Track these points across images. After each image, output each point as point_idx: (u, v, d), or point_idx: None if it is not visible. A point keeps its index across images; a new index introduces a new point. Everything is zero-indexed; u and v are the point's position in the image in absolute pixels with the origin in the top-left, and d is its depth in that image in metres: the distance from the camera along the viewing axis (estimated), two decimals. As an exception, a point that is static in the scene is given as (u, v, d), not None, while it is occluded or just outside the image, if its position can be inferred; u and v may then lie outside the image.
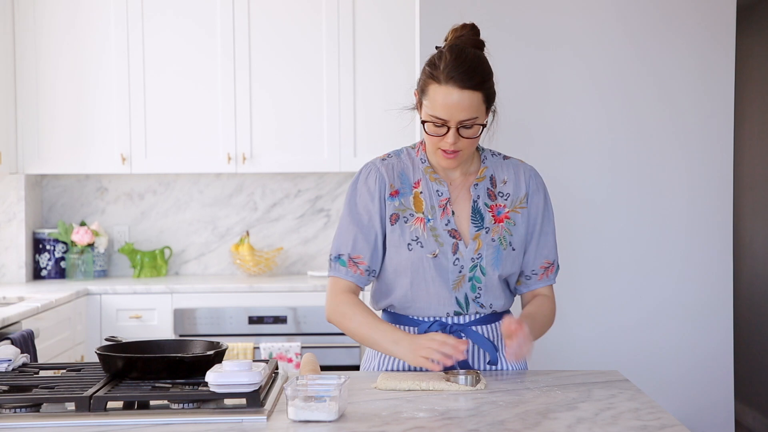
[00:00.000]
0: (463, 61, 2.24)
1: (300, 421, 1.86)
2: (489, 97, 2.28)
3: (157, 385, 2.03)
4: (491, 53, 2.36)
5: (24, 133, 4.83)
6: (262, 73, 4.87)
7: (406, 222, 2.34)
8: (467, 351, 2.35)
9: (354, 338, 2.37)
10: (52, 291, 4.44)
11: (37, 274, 5.04)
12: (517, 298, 2.52)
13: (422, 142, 2.43)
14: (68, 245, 5.00)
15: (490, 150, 2.46)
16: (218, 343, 2.22)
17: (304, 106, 4.89)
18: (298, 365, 4.41)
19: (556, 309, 2.50)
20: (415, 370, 2.37)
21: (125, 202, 5.19)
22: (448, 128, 2.25)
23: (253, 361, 2.10)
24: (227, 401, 1.96)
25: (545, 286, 2.46)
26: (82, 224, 5.05)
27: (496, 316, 2.40)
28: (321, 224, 5.22)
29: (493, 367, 2.38)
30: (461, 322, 2.36)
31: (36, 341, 3.81)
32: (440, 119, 2.25)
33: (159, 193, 5.20)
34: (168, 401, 1.94)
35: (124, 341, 2.25)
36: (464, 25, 2.35)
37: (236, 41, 4.85)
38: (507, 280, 2.40)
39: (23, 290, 4.53)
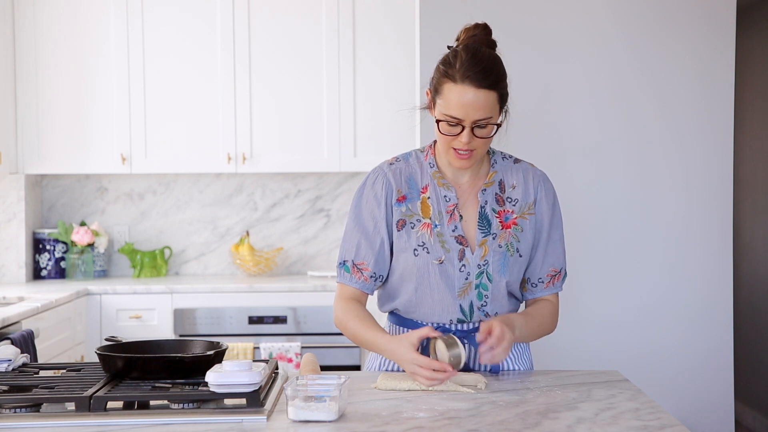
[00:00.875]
0: (479, 60, 2.22)
1: (300, 421, 1.86)
2: (503, 97, 2.26)
3: (157, 385, 2.03)
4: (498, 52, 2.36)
5: (24, 133, 4.83)
6: (263, 74, 4.87)
7: (413, 227, 2.32)
8: (469, 356, 2.34)
9: (354, 342, 2.37)
10: (52, 291, 4.45)
11: (37, 274, 5.04)
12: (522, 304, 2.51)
13: (431, 146, 2.41)
14: (68, 245, 5.00)
15: (501, 153, 2.43)
16: (218, 343, 2.22)
17: (304, 107, 4.89)
18: (298, 365, 4.41)
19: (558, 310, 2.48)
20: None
21: (125, 202, 5.19)
22: (463, 127, 2.23)
23: (253, 361, 2.10)
24: (227, 401, 1.96)
25: (551, 294, 2.43)
26: (82, 224, 5.05)
27: None
28: (321, 224, 5.22)
29: (495, 374, 2.37)
30: (464, 329, 2.34)
31: (36, 341, 3.81)
32: (455, 118, 2.22)
33: (159, 193, 5.20)
34: (168, 401, 1.94)
35: (124, 341, 2.25)
36: (476, 25, 2.32)
37: (236, 42, 4.85)
38: (513, 289, 2.37)
39: (23, 290, 4.53)
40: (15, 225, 4.92)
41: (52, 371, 2.26)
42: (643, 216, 3.64)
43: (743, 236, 5.81)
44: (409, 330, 2.37)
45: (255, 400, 1.92)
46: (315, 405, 1.86)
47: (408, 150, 2.47)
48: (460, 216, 2.33)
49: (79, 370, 2.24)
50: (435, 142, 2.39)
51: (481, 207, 2.34)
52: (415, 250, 2.31)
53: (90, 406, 1.91)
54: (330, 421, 1.86)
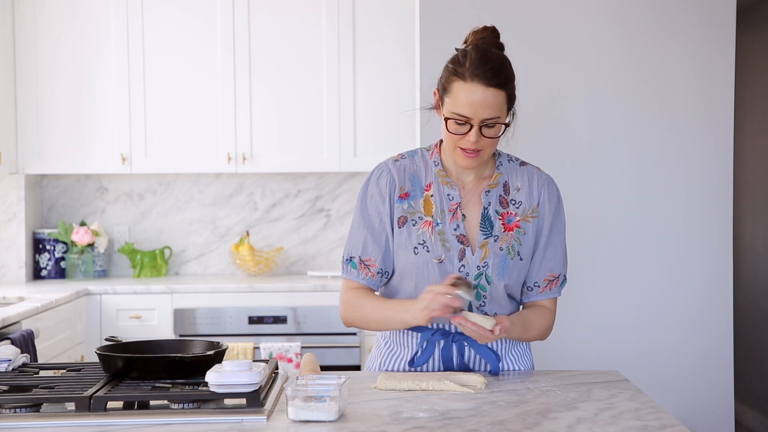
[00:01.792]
0: (489, 59, 2.23)
1: (300, 421, 1.86)
2: (511, 98, 2.27)
3: (157, 385, 2.03)
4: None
5: (24, 133, 4.83)
6: (263, 74, 4.87)
7: (414, 225, 2.32)
8: (469, 359, 2.34)
9: (372, 327, 2.36)
10: (52, 291, 4.44)
11: (37, 274, 5.04)
12: None
13: (437, 144, 2.41)
14: (68, 245, 5.00)
15: (507, 155, 2.43)
16: (218, 343, 2.22)
17: (304, 107, 4.89)
18: (298, 365, 4.41)
19: (557, 311, 2.48)
20: (414, 370, 2.37)
21: (125, 202, 5.19)
22: (471, 126, 2.23)
23: (253, 361, 2.10)
24: (227, 401, 1.96)
25: (548, 299, 2.41)
26: (82, 224, 5.05)
27: None
28: (321, 224, 5.22)
29: (495, 374, 2.37)
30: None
31: (36, 341, 3.81)
32: (463, 117, 2.22)
33: (159, 193, 5.20)
34: (168, 401, 1.94)
35: (124, 341, 2.25)
36: (485, 28, 2.33)
37: (236, 42, 4.85)
38: (512, 291, 2.36)
39: (23, 290, 4.53)
40: (15, 225, 4.92)
41: (52, 371, 2.26)
42: (643, 216, 3.64)
43: (743, 236, 5.81)
44: (410, 333, 2.37)
45: (255, 400, 1.92)
46: (315, 405, 1.86)
47: (409, 149, 2.46)
48: (463, 215, 2.32)
49: (79, 370, 2.24)
50: (441, 141, 2.39)
51: (484, 208, 2.33)
52: (415, 248, 2.31)
53: (90, 406, 1.91)
54: (330, 421, 1.86)
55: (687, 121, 3.63)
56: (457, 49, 2.32)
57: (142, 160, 4.87)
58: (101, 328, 4.61)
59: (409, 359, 2.37)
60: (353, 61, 4.85)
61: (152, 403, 1.97)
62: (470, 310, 2.30)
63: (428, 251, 2.30)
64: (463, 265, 2.29)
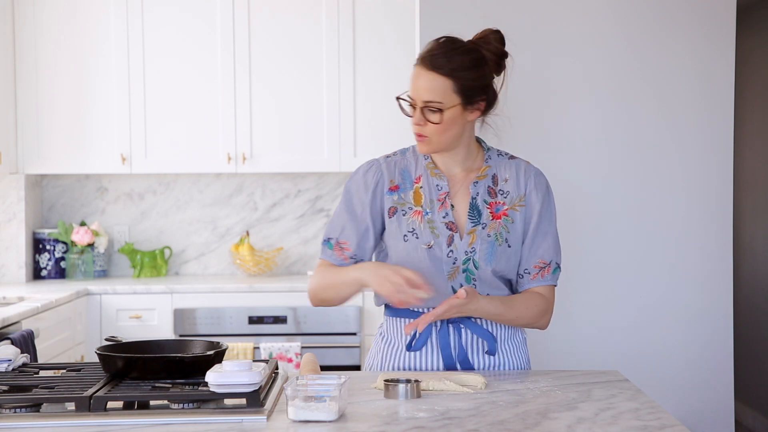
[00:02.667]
0: (440, 46, 2.32)
1: (300, 421, 1.86)
2: (465, 89, 2.30)
3: (157, 385, 2.03)
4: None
5: (24, 133, 4.83)
6: (263, 74, 4.87)
7: (404, 215, 2.38)
8: (466, 342, 2.36)
9: (329, 294, 2.40)
10: (52, 291, 4.45)
11: (37, 274, 5.04)
12: None
13: None
14: (68, 245, 5.00)
15: (497, 150, 2.48)
16: (218, 343, 2.22)
17: (304, 107, 4.89)
18: (298, 365, 4.41)
19: (554, 309, 2.48)
20: (416, 368, 2.38)
21: (125, 202, 5.19)
22: (415, 108, 2.33)
23: (253, 361, 2.10)
24: (227, 401, 1.96)
25: (541, 286, 2.43)
26: (82, 224, 5.05)
27: None
28: (321, 224, 5.22)
29: (492, 360, 2.39)
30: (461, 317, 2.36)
31: (36, 341, 3.81)
32: (409, 98, 2.33)
33: (159, 193, 5.20)
34: (168, 401, 1.94)
35: (124, 341, 2.25)
36: (485, 29, 2.40)
37: (236, 42, 4.85)
38: (505, 278, 2.40)
39: (23, 290, 4.53)
40: (15, 225, 4.92)
41: (52, 371, 2.26)
42: (642, 216, 3.63)
43: (743, 236, 5.81)
44: (406, 320, 2.39)
45: (255, 400, 1.92)
46: (315, 405, 1.86)
47: (402, 147, 2.54)
48: (452, 205, 2.38)
49: (79, 370, 2.24)
50: None
51: (473, 198, 2.39)
52: (405, 236, 2.36)
53: (90, 406, 1.91)
54: (330, 421, 1.86)
55: (687, 121, 3.63)
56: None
57: (142, 160, 4.87)
58: (101, 328, 4.61)
59: (406, 345, 2.39)
60: (353, 61, 4.85)
61: (152, 403, 1.97)
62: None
63: (417, 238, 2.35)
64: (451, 251, 2.34)
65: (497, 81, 2.40)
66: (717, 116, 3.63)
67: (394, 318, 2.43)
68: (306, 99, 4.88)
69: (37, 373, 2.22)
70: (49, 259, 5.02)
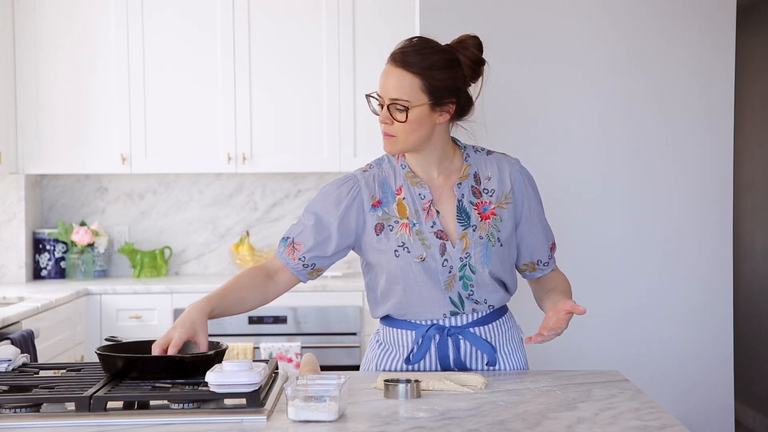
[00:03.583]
0: (410, 44, 2.30)
1: (300, 421, 1.86)
2: (433, 89, 2.27)
3: (157, 385, 2.03)
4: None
5: (24, 133, 4.83)
6: (262, 73, 4.87)
7: (391, 230, 2.34)
8: (465, 353, 2.36)
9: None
10: (52, 291, 4.44)
11: (37, 274, 5.04)
12: (519, 292, 2.53)
13: None
14: (68, 245, 5.00)
15: (473, 146, 2.44)
16: (218, 343, 2.22)
17: (304, 106, 4.89)
18: (298, 365, 4.41)
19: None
20: (411, 368, 2.38)
21: (125, 202, 5.19)
22: (382, 106, 2.30)
23: (253, 361, 2.10)
24: (227, 401, 1.96)
25: (556, 267, 2.53)
26: (82, 224, 5.05)
27: (493, 316, 2.39)
28: (321, 224, 5.21)
29: (492, 368, 2.39)
30: (459, 324, 2.36)
31: (36, 341, 3.81)
32: (378, 95, 2.31)
33: (159, 193, 5.20)
34: (168, 401, 1.94)
35: (124, 341, 2.25)
36: (466, 35, 2.35)
37: (236, 42, 4.85)
38: (500, 280, 2.39)
39: (23, 290, 4.53)
40: (15, 225, 4.92)
41: (52, 371, 2.26)
42: (643, 216, 3.64)
43: (743, 236, 5.81)
44: (405, 332, 2.38)
45: (255, 400, 1.92)
46: (315, 405, 1.86)
47: (377, 158, 2.48)
48: (437, 212, 2.34)
49: (79, 370, 2.24)
50: None
51: (459, 201, 2.35)
52: (395, 251, 2.32)
53: (90, 406, 1.91)
54: (330, 421, 1.86)
55: (687, 122, 3.63)
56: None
57: (142, 160, 4.87)
58: (101, 328, 4.60)
59: (405, 358, 2.38)
60: (353, 60, 4.86)
61: (152, 403, 1.97)
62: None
63: (408, 252, 2.31)
64: (445, 260, 2.31)
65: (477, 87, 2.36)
66: (717, 116, 3.63)
67: (393, 329, 2.42)
68: (306, 99, 4.88)
69: (37, 373, 2.22)
70: (49, 259, 5.02)
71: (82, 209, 5.18)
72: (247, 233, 5.11)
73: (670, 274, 3.64)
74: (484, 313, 2.37)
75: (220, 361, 2.13)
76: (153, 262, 5.06)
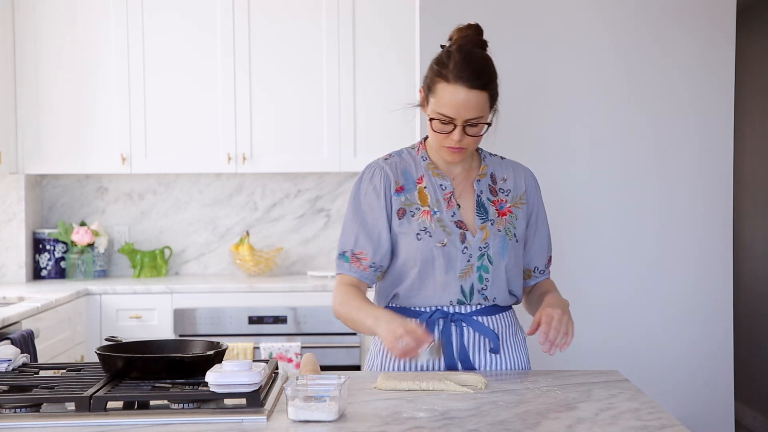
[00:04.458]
0: (472, 61, 2.30)
1: (300, 421, 1.86)
2: (493, 97, 2.35)
3: (157, 385, 2.04)
4: (490, 54, 2.39)
5: (24, 133, 4.83)
6: (262, 74, 4.87)
7: (413, 215, 2.38)
8: (468, 340, 2.38)
9: (349, 326, 2.40)
10: (52, 291, 4.44)
11: (37, 274, 5.04)
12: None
13: (421, 142, 2.49)
14: (68, 245, 5.00)
15: (488, 152, 2.53)
16: (218, 343, 2.22)
17: (304, 106, 4.89)
18: (298, 365, 4.41)
19: None
20: (415, 370, 2.38)
21: (125, 202, 5.19)
22: (455, 126, 2.31)
23: (253, 361, 2.10)
24: (227, 401, 1.96)
25: (549, 277, 2.57)
26: (82, 224, 5.05)
27: (497, 309, 2.42)
28: (321, 224, 5.22)
29: (494, 360, 2.39)
30: (463, 312, 2.38)
31: (36, 341, 3.81)
32: (447, 117, 2.30)
33: (159, 193, 5.20)
34: (168, 401, 1.94)
35: (124, 341, 2.25)
36: (469, 26, 2.41)
37: (236, 41, 4.85)
38: (511, 276, 2.42)
39: (23, 290, 4.53)
40: (15, 225, 4.92)
41: (52, 371, 2.26)
42: (642, 216, 3.64)
43: (743, 236, 5.81)
44: (406, 316, 2.39)
45: (255, 400, 1.93)
46: (315, 405, 1.86)
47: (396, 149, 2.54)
48: (458, 204, 2.40)
49: (79, 370, 2.24)
50: (425, 138, 2.49)
51: (478, 195, 2.42)
52: (417, 234, 2.36)
53: (90, 406, 1.91)
54: (330, 421, 1.86)
55: (687, 121, 3.63)
56: (442, 47, 2.40)
57: (142, 160, 4.87)
58: (101, 328, 4.60)
59: None
60: (353, 60, 4.85)
61: (152, 403, 1.97)
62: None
63: (431, 236, 2.36)
64: (465, 248, 2.36)
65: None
66: (717, 116, 3.63)
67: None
68: (306, 99, 4.88)
69: (37, 373, 2.22)
70: (49, 259, 5.02)
71: (82, 209, 5.18)
72: (247, 233, 5.11)
73: (670, 274, 3.64)
74: (488, 306, 2.40)
75: (220, 361, 2.13)
76: (153, 262, 5.06)
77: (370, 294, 2.57)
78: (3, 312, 3.73)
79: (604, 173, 3.63)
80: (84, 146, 4.86)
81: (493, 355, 2.40)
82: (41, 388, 2.02)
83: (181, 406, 1.92)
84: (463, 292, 2.37)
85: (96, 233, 5.00)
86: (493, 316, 2.41)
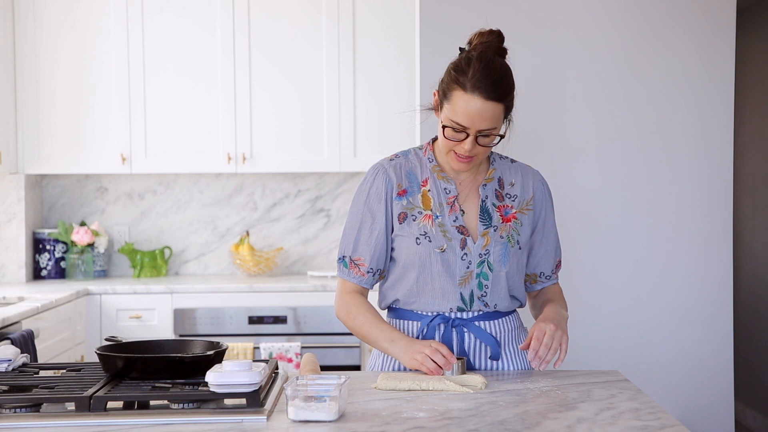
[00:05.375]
0: (491, 71, 2.25)
1: (300, 421, 1.86)
2: (509, 109, 2.31)
3: (157, 385, 2.04)
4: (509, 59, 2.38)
5: (24, 133, 4.83)
6: (262, 73, 4.87)
7: (414, 219, 2.36)
8: (468, 346, 2.37)
9: (358, 336, 2.42)
10: (52, 291, 4.44)
11: (37, 274, 5.04)
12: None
13: (429, 143, 2.45)
14: (68, 245, 5.00)
15: (498, 153, 2.49)
16: (218, 343, 2.22)
17: (304, 106, 4.89)
18: (298, 365, 4.41)
19: None
20: (417, 371, 2.38)
21: (125, 202, 5.19)
22: (467, 135, 2.27)
23: (253, 361, 2.10)
24: (227, 401, 1.96)
25: (556, 283, 2.55)
26: (82, 224, 5.05)
27: (498, 314, 2.41)
28: (321, 224, 5.22)
29: (495, 363, 2.39)
30: (464, 317, 2.37)
31: (36, 341, 3.81)
32: (460, 125, 2.26)
33: (159, 193, 5.20)
34: (168, 401, 1.94)
35: (124, 341, 2.25)
36: (491, 31, 2.34)
37: (236, 41, 4.85)
38: (513, 283, 2.40)
39: (23, 290, 4.53)
40: (15, 225, 4.92)
41: (52, 371, 2.26)
42: (643, 216, 3.64)
43: (743, 236, 5.81)
44: (410, 323, 2.41)
45: (255, 400, 1.93)
46: (315, 405, 1.86)
47: (402, 150, 2.51)
48: (461, 210, 2.37)
49: (79, 370, 2.24)
50: (433, 139, 2.45)
51: (482, 201, 2.39)
52: (417, 239, 2.35)
53: (90, 406, 1.91)
54: (330, 421, 1.86)
55: (687, 121, 3.63)
56: (461, 50, 2.34)
57: (142, 160, 4.87)
58: (101, 328, 4.61)
59: None
60: (353, 60, 4.85)
61: (152, 403, 1.97)
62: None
63: (430, 241, 2.34)
64: (465, 254, 2.34)
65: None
66: (717, 116, 3.63)
67: (398, 320, 2.43)
68: (305, 98, 4.88)
69: (37, 373, 2.22)
70: (49, 259, 5.02)
71: (82, 209, 5.18)
72: (247, 233, 5.11)
73: (670, 274, 3.64)
74: (489, 312, 2.39)
75: (220, 361, 2.13)
76: (153, 262, 5.06)
77: (372, 295, 2.58)
78: (3, 312, 3.73)
79: (603, 174, 3.63)
80: (84, 146, 4.86)
81: (494, 361, 2.39)
82: (41, 388, 2.02)
83: (181, 406, 1.92)
84: (462, 299, 2.35)
85: (96, 233, 5.00)
86: (494, 321, 2.40)
